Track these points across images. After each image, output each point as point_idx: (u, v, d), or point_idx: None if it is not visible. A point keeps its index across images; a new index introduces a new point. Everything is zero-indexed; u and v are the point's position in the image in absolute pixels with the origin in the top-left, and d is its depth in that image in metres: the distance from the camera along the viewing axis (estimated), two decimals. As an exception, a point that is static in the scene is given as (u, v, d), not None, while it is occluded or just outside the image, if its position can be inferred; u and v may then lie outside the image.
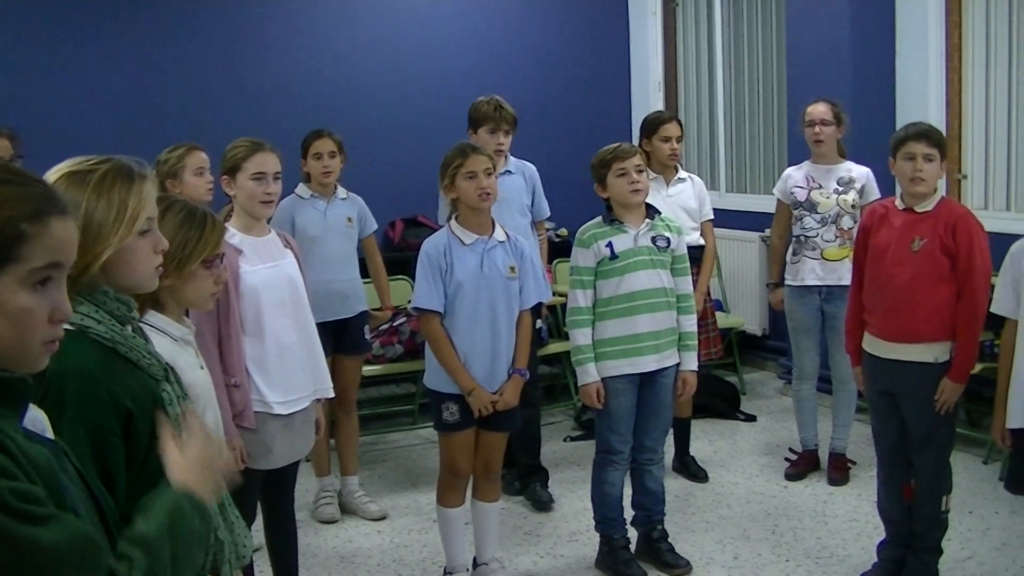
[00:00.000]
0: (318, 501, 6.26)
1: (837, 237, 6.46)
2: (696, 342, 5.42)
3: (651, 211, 5.28)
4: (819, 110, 6.55)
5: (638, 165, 5.18)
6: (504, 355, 4.96)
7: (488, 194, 4.85)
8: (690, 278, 5.43)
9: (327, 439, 6.27)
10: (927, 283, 4.76)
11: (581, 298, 5.19)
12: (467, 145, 5.00)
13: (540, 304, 6.13)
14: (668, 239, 5.24)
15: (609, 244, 5.14)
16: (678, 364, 5.33)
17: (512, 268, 4.94)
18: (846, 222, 6.45)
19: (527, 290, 5.02)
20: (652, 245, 5.19)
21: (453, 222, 4.96)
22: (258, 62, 9.02)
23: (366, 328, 6.36)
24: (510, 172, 6.41)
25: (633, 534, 5.52)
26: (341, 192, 6.26)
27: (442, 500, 5.11)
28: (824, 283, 6.49)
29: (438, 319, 4.88)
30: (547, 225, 6.87)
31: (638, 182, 5.15)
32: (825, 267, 6.48)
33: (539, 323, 6.81)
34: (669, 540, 5.52)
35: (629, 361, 5.17)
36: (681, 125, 6.83)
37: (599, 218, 5.26)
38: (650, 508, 5.49)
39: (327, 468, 6.33)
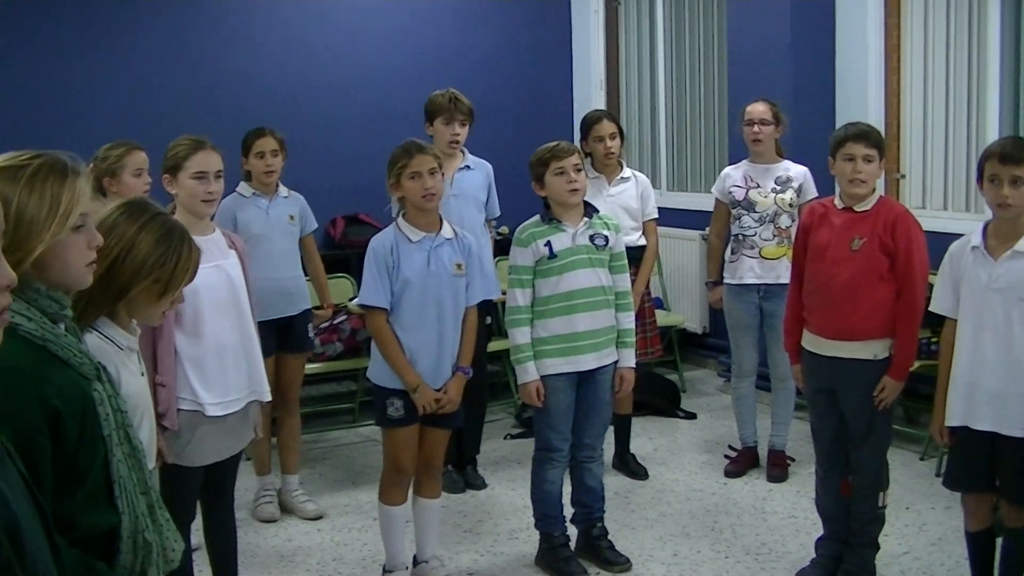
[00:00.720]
0: (258, 500, 6.23)
1: (775, 236, 6.50)
2: (634, 339, 5.42)
3: (589, 209, 5.29)
4: (758, 110, 6.59)
5: (576, 164, 5.18)
6: (449, 352, 4.96)
7: (433, 194, 4.85)
8: (628, 275, 5.43)
9: (268, 437, 6.24)
10: (867, 281, 4.80)
11: (520, 297, 5.19)
12: (413, 144, 4.97)
13: (490, 301, 6.17)
14: (606, 237, 5.24)
15: (548, 243, 5.14)
16: (617, 361, 5.34)
17: (459, 265, 4.94)
18: (784, 221, 6.49)
19: (474, 287, 5.03)
20: (590, 244, 5.20)
21: (401, 219, 4.96)
22: (200, 60, 8.94)
23: (310, 326, 6.33)
24: (469, 168, 6.46)
25: (573, 531, 5.52)
26: (283, 190, 6.22)
27: (384, 497, 5.09)
28: (762, 281, 6.53)
29: (384, 316, 4.88)
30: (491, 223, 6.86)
31: (576, 181, 5.15)
32: (763, 265, 6.53)
33: (488, 319, 6.82)
34: (609, 537, 5.53)
35: (568, 360, 5.18)
36: (616, 122, 6.82)
37: (537, 217, 5.25)
38: (590, 505, 5.49)
39: (268, 467, 6.29)
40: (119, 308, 3.11)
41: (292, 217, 6.20)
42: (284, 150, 6.16)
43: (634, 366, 5.43)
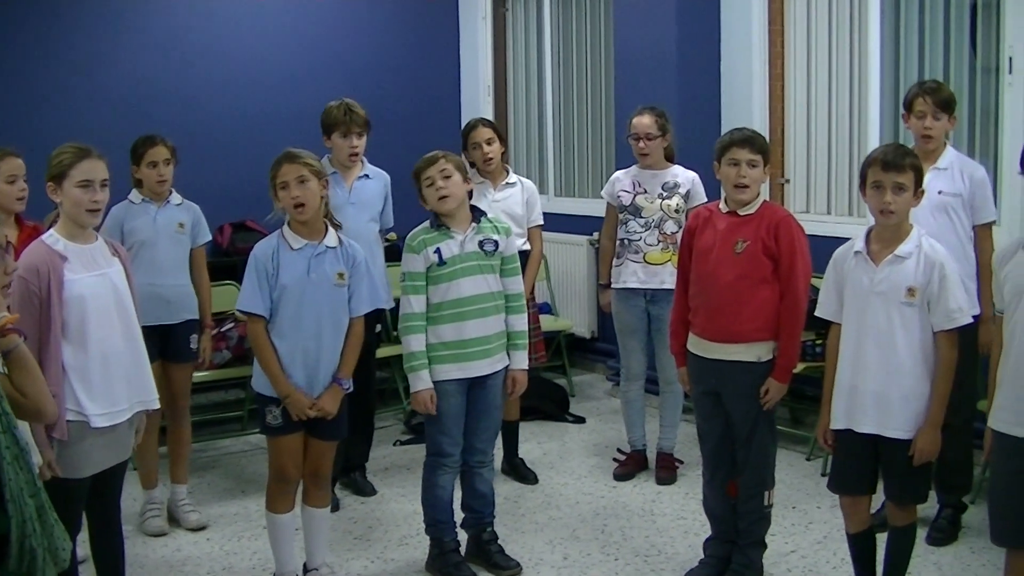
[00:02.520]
0: (145, 514, 6.11)
1: (660, 241, 6.54)
2: (526, 341, 5.45)
3: (477, 214, 5.30)
4: (643, 123, 6.57)
5: (443, 170, 5.17)
6: (327, 362, 4.94)
7: (301, 204, 4.84)
8: (520, 278, 5.45)
9: (155, 449, 6.14)
10: (750, 284, 4.86)
11: (414, 303, 5.17)
12: (284, 154, 4.94)
13: (382, 311, 6.16)
14: (496, 242, 5.26)
15: (437, 250, 5.15)
16: (508, 365, 5.36)
17: (341, 274, 4.92)
18: (669, 227, 6.54)
19: (358, 297, 5.01)
20: (480, 250, 5.21)
21: (285, 226, 4.95)
22: (85, 65, 8.76)
23: (193, 337, 6.22)
24: (367, 177, 6.44)
25: (463, 536, 5.52)
26: (176, 198, 6.12)
27: (271, 506, 5.06)
28: (646, 286, 6.58)
29: (262, 323, 4.86)
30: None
31: (443, 188, 5.15)
32: (647, 271, 6.57)
33: (378, 327, 6.81)
34: (499, 542, 5.54)
35: (459, 366, 5.18)
36: (493, 127, 6.85)
37: (427, 223, 5.26)
38: (480, 510, 5.50)
39: (155, 480, 6.16)
40: None
41: (181, 225, 6.09)
42: (175, 157, 6.08)
43: (526, 368, 5.45)
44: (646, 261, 6.56)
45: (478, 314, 5.19)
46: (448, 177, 5.18)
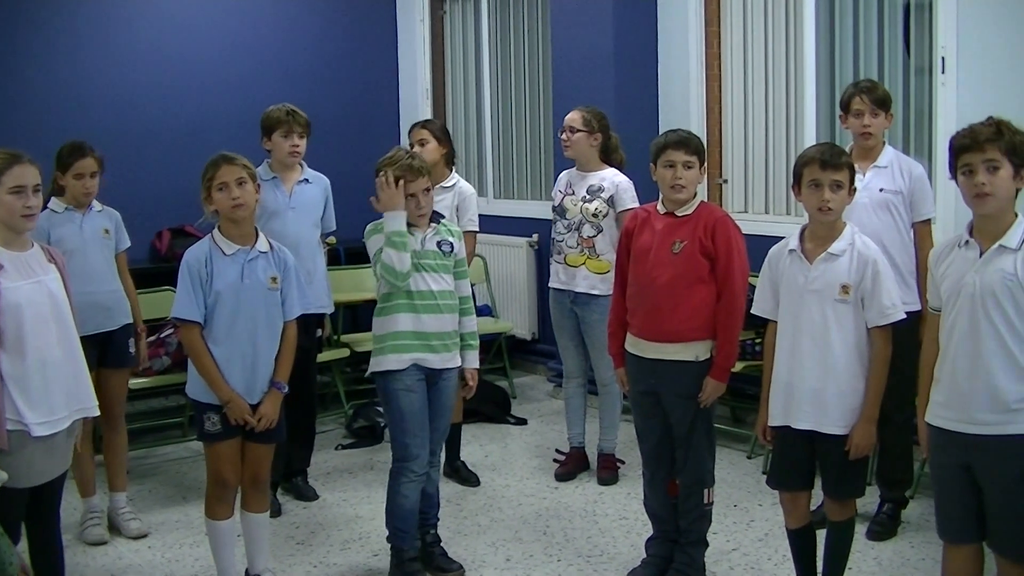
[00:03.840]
0: (84, 523, 6.04)
1: (578, 244, 6.59)
2: (478, 342, 5.49)
3: (436, 216, 5.33)
4: (570, 117, 6.67)
5: (425, 187, 5.21)
6: (264, 366, 4.93)
7: (241, 204, 4.82)
8: (468, 281, 5.50)
9: (91, 457, 6.08)
10: (687, 284, 4.89)
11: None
12: (220, 156, 4.93)
13: (323, 315, 6.14)
14: (452, 244, 5.30)
15: None
16: (459, 367, 5.37)
17: (274, 279, 4.92)
18: (587, 230, 6.57)
19: (290, 302, 5.00)
20: (438, 250, 5.24)
21: (216, 232, 4.92)
22: (14, 68, 8.69)
23: (131, 341, 6.18)
24: (307, 181, 6.44)
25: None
26: (96, 205, 6.06)
27: (210, 512, 5.02)
28: (567, 287, 6.65)
29: (197, 329, 4.83)
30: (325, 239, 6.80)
31: (424, 207, 5.21)
32: (567, 272, 6.65)
33: (319, 331, 6.79)
34: (442, 544, 5.54)
35: (417, 356, 5.17)
36: (431, 128, 6.80)
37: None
38: (426, 512, 5.47)
39: (92, 488, 6.09)
40: None
41: (107, 231, 6.04)
42: (102, 168, 6.02)
43: (478, 368, 5.48)
44: (566, 263, 6.63)
45: (433, 309, 5.19)
46: (428, 191, 5.24)
